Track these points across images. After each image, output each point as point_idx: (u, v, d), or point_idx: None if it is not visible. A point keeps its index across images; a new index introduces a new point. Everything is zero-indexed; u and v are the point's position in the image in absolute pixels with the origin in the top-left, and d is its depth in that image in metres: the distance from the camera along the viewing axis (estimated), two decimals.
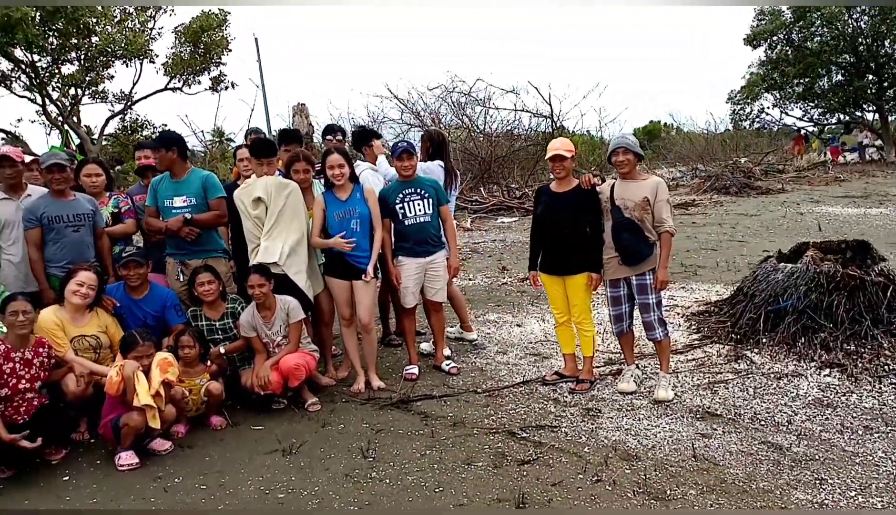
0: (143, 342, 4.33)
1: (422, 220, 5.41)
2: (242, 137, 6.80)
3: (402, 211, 5.38)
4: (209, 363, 4.96)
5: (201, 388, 4.78)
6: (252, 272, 4.94)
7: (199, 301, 5.13)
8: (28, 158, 5.77)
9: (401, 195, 5.40)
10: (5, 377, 4.10)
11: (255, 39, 20.06)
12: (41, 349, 4.35)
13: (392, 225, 5.53)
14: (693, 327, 6.52)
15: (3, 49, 13.29)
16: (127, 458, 4.19)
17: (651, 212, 4.83)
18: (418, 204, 5.40)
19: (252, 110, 16.81)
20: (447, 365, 5.70)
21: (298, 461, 4.19)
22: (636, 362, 5.31)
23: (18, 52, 13.65)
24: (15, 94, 14.89)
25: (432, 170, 6.07)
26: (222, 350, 5.06)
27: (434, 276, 5.55)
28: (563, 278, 5.14)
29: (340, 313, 5.49)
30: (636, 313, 5.07)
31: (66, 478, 4.12)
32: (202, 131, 18.08)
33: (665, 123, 33.94)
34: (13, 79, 14.51)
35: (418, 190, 5.42)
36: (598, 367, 5.45)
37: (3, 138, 16.71)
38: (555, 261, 5.16)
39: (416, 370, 5.60)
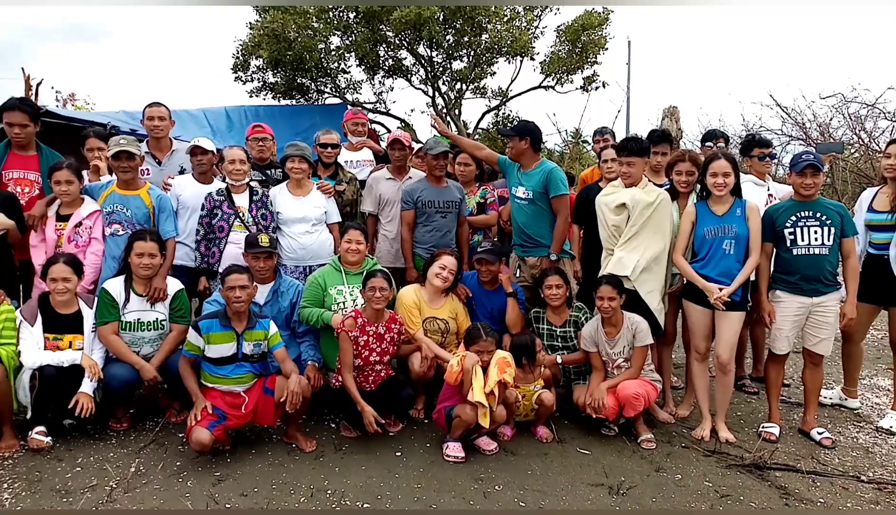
0: (487, 337, 4.23)
1: (817, 251, 4.41)
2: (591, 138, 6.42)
3: (793, 237, 4.45)
4: (543, 369, 4.72)
5: (534, 394, 4.56)
6: (602, 283, 4.53)
7: (542, 303, 4.92)
8: (416, 146, 6.22)
9: (794, 218, 4.46)
10: (360, 348, 4.36)
11: (629, 42, 19.77)
12: (393, 325, 4.55)
13: (774, 251, 4.63)
14: None
15: (411, 45, 15.12)
16: (454, 450, 4.16)
17: None
18: (815, 231, 4.40)
19: (619, 112, 16.52)
20: (819, 433, 4.62)
21: (626, 505, 3.69)
22: None
23: (421, 49, 15.39)
24: (413, 86, 16.92)
25: None
26: (559, 360, 4.79)
27: (820, 322, 4.51)
28: None
29: (694, 346, 4.79)
30: None
31: (399, 454, 4.24)
32: (565, 131, 18.39)
33: None
34: (413, 73, 16.48)
35: (818, 214, 4.41)
36: None
37: (398, 125, 19.13)
38: None
39: (776, 431, 4.65)
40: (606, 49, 15.52)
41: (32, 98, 9.05)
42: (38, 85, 9.14)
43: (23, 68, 9.13)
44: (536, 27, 15.55)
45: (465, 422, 4.12)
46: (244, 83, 15.91)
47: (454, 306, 4.91)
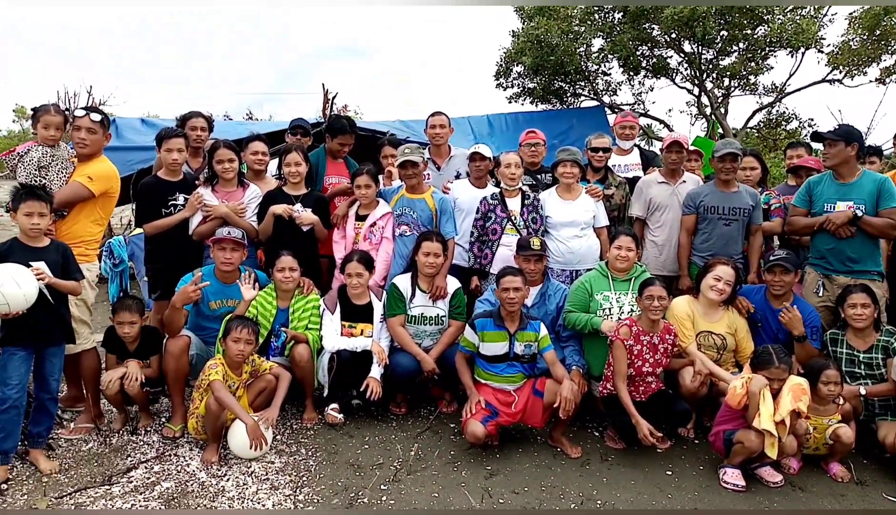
0: (779, 364, 3.82)
1: None
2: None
3: None
4: (842, 401, 4.16)
5: (827, 428, 4.05)
6: None
7: (842, 324, 4.35)
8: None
9: None
10: (632, 357, 4.21)
11: None
12: (667, 336, 4.33)
13: None
14: None
15: (678, 43, 14.41)
16: (733, 477, 3.84)
17: None
18: None
19: None
20: None
21: None
22: None
23: (687, 46, 14.58)
24: (676, 85, 16.10)
25: None
26: (863, 392, 4.18)
27: None
28: None
29: None
30: None
31: (670, 473, 4.04)
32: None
33: None
34: (677, 71, 15.69)
35: None
36: None
37: (658, 125, 18.41)
38: None
39: None
40: None
41: (329, 110, 10.29)
42: (334, 98, 10.37)
43: (323, 84, 10.37)
44: (825, 15, 13.86)
45: (749, 450, 3.78)
46: (504, 89, 16.46)
47: (733, 321, 4.53)
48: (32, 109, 4.25)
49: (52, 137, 4.21)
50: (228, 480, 3.80)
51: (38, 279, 3.56)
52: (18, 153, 4.23)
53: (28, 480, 3.73)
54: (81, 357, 4.32)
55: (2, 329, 3.68)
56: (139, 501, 3.52)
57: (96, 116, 4.32)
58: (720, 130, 15.03)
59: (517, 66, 15.62)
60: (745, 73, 15.01)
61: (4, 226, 14.45)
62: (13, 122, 41.43)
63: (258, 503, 3.55)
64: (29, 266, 3.55)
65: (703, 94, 16.03)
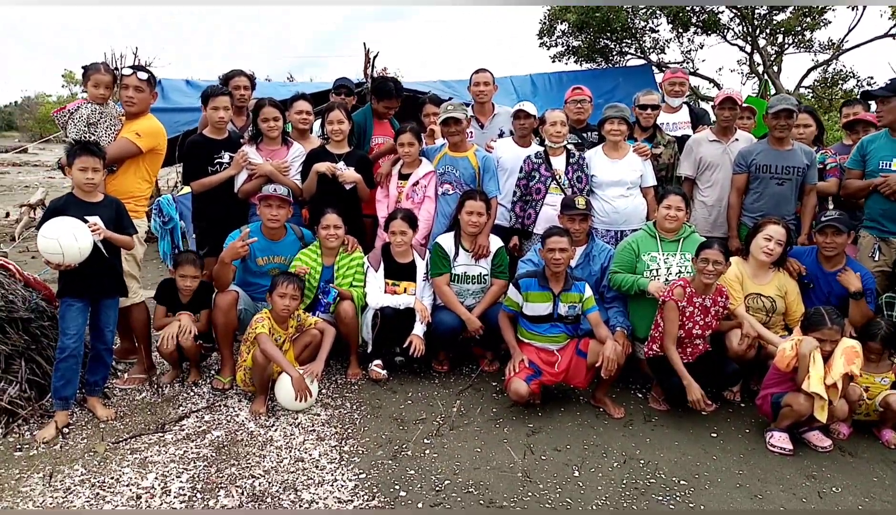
0: (832, 325, 3.71)
1: None
2: None
3: None
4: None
5: (880, 390, 3.95)
6: None
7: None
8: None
9: None
10: (684, 319, 4.14)
11: None
12: (719, 298, 4.24)
13: None
14: None
15: None
16: (780, 440, 3.79)
17: None
18: None
19: None
20: None
21: None
22: None
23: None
24: (728, 42, 15.52)
25: None
26: None
27: None
28: None
29: None
30: None
31: (714, 435, 4.00)
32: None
33: None
34: (729, 27, 15.11)
35: None
36: None
37: (707, 85, 17.83)
38: None
39: None
40: None
41: (371, 70, 10.23)
42: (375, 58, 10.32)
43: (364, 43, 10.28)
44: None
45: (797, 413, 3.71)
46: (548, 49, 16.10)
47: (783, 283, 4.42)
48: (83, 67, 4.31)
49: (101, 96, 4.28)
50: (276, 430, 3.90)
51: (94, 233, 3.65)
52: (69, 110, 4.32)
53: (87, 425, 3.89)
54: (132, 311, 4.46)
55: (59, 281, 3.81)
56: (191, 448, 3.64)
57: (143, 75, 4.37)
58: (772, 90, 14.48)
59: (561, 24, 15.25)
60: (800, 28, 14.37)
61: (57, 188, 14.89)
62: (62, 87, 42.33)
63: (305, 452, 3.63)
64: (85, 221, 3.64)
65: (755, 51, 15.44)
